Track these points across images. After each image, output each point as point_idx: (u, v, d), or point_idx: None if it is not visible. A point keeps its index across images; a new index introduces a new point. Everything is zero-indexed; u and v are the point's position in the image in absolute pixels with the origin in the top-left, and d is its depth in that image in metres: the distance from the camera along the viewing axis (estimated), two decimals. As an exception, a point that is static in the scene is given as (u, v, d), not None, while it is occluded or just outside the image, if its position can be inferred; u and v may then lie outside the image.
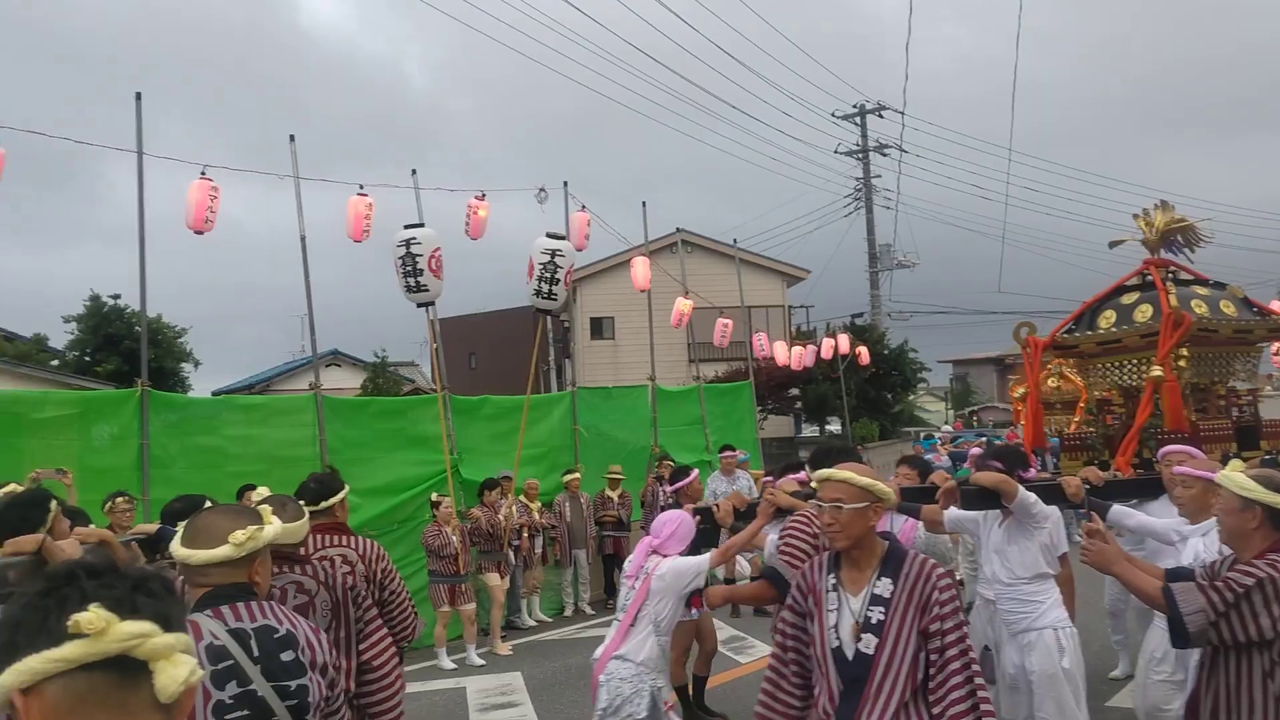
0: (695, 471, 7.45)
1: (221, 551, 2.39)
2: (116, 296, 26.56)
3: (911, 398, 36.38)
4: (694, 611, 7.00)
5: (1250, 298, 6.61)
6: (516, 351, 26.84)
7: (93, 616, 1.20)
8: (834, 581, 3.07)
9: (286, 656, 2.32)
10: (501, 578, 10.23)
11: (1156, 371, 5.89)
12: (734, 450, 12.53)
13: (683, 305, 15.10)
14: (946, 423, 38.07)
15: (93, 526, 5.71)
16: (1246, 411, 6.57)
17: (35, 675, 1.20)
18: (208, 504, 3.96)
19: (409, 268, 9.47)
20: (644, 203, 16.15)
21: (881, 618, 2.94)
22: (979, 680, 2.91)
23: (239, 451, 9.44)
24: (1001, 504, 4.94)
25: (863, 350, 23.71)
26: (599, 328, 30.02)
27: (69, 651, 1.20)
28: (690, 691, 7.01)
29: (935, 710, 2.88)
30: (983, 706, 2.86)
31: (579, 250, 11.85)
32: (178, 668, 1.24)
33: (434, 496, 9.88)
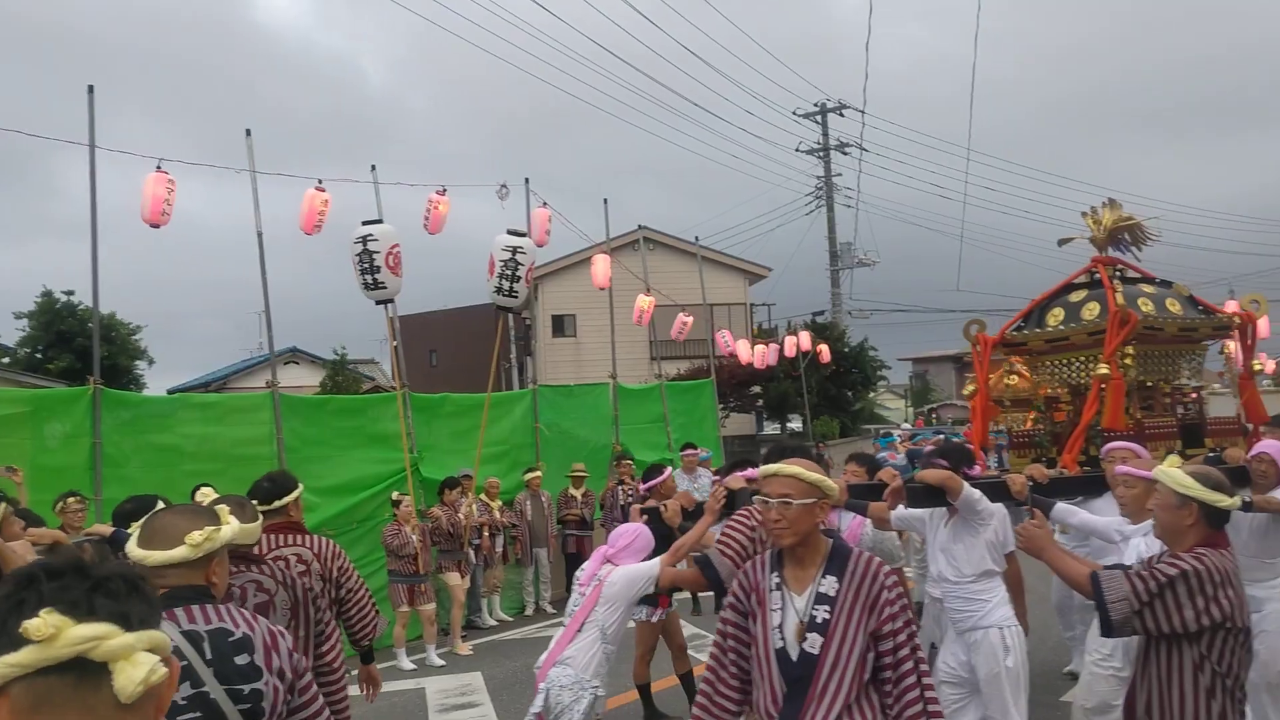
0: (669, 469, 7.41)
1: (178, 553, 2.35)
2: (70, 293, 26.15)
3: (872, 395, 36.67)
4: (660, 612, 7.02)
5: (1196, 296, 6.66)
6: (478, 349, 26.68)
7: (40, 624, 1.20)
8: (778, 580, 2.99)
9: (241, 660, 2.29)
10: (462, 577, 10.17)
11: (1103, 369, 5.92)
12: (696, 448, 12.54)
13: (644, 302, 15.10)
14: (906, 420, 38.44)
15: (45, 528, 5.63)
16: (1191, 409, 6.65)
17: None
18: (160, 504, 3.90)
19: (366, 264, 9.38)
20: (605, 200, 16.10)
21: (827, 617, 2.87)
22: (928, 680, 2.88)
23: (195, 450, 9.30)
24: (947, 502, 4.94)
25: (824, 348, 23.86)
26: (560, 325, 29.97)
27: (23, 657, 1.20)
28: (650, 692, 7.02)
29: (891, 714, 2.85)
30: (931, 708, 2.84)
31: (539, 247, 11.80)
32: (135, 669, 1.23)
33: (395, 495, 9.81)
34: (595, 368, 21.14)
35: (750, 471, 5.35)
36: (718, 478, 5.94)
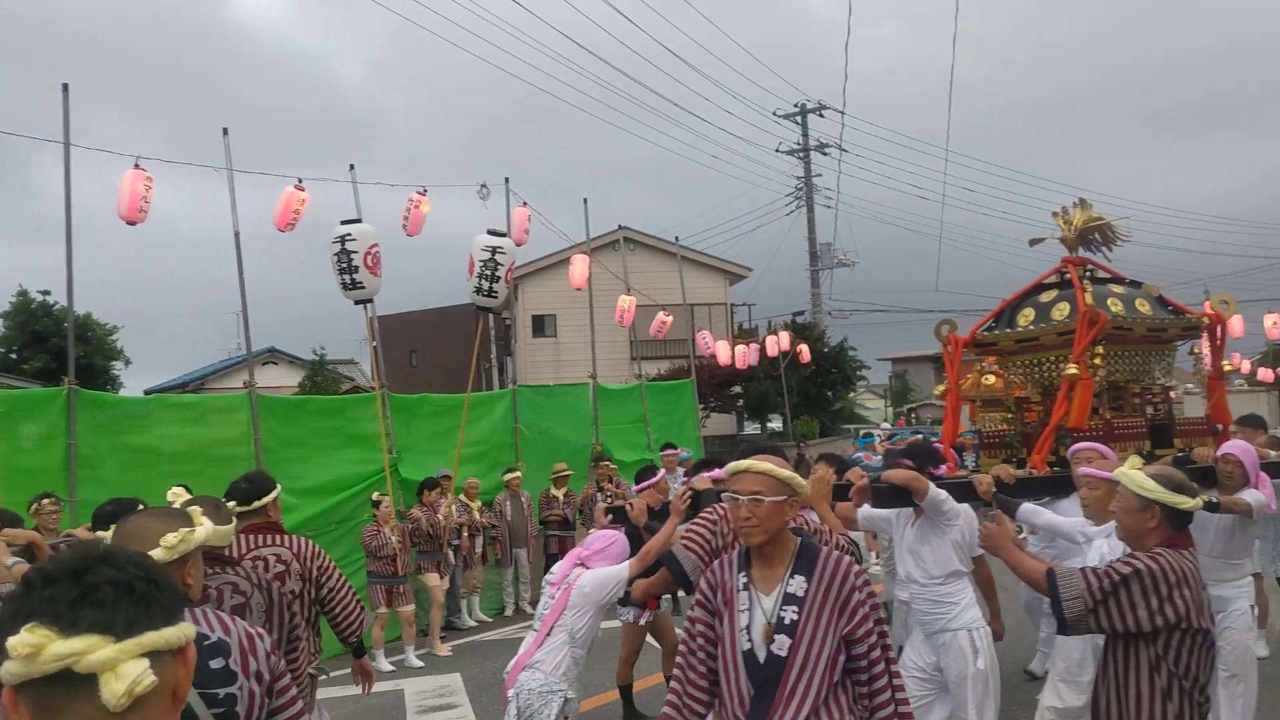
0: (662, 471, 7.37)
1: (152, 555, 2.34)
2: (46, 293, 25.97)
3: (851, 395, 36.84)
4: (647, 614, 7.01)
5: (1165, 296, 6.68)
6: (458, 349, 26.63)
7: (16, 643, 1.21)
8: (745, 580, 2.91)
9: (216, 664, 2.27)
10: (441, 578, 10.15)
11: (1072, 369, 5.92)
12: (676, 448, 12.55)
13: (625, 302, 15.11)
14: (886, 420, 38.61)
15: (21, 528, 5.58)
16: (1161, 409, 6.65)
17: None
18: (141, 507, 3.88)
19: (345, 264, 9.35)
20: (585, 200, 16.11)
21: (795, 618, 2.79)
22: (899, 682, 2.85)
23: (172, 451, 9.23)
24: (913, 502, 4.92)
25: (803, 348, 23.93)
26: (541, 325, 29.93)
27: (12, 668, 1.22)
28: (631, 693, 7.02)
29: (861, 717, 2.81)
30: (901, 710, 2.82)
31: (519, 246, 11.78)
32: (118, 681, 1.23)
33: (375, 496, 9.78)
34: (575, 368, 21.11)
35: (717, 472, 5.31)
36: (686, 478, 5.92)
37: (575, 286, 14.26)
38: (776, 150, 37.51)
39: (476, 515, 10.95)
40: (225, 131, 10.31)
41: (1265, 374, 28.74)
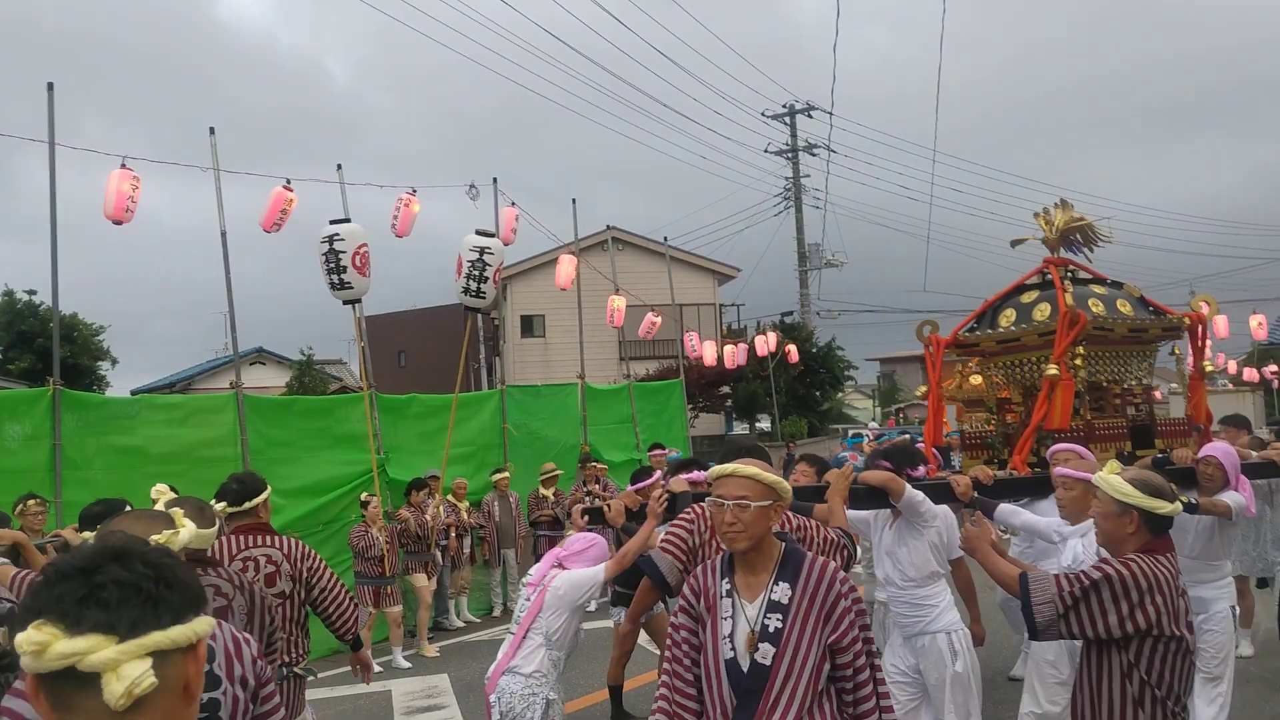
0: (659, 473, 7.36)
1: None
2: (32, 292, 25.88)
3: (840, 395, 36.89)
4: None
5: (1147, 296, 6.68)
6: (446, 349, 26.61)
7: (23, 639, 1.25)
8: (728, 586, 2.84)
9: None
10: (429, 578, 10.14)
11: (1053, 370, 5.92)
12: (664, 449, 12.57)
13: (617, 303, 15.12)
14: (873, 420, 38.66)
15: (7, 529, 5.57)
16: (1142, 410, 6.65)
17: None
18: (127, 508, 3.88)
19: (333, 264, 9.32)
20: (574, 200, 16.11)
21: (780, 625, 2.73)
22: (884, 689, 2.82)
23: (158, 452, 9.21)
24: (890, 504, 4.90)
25: (792, 348, 23.98)
26: (529, 325, 29.94)
27: (24, 662, 1.26)
28: (620, 694, 7.02)
29: None
30: (886, 718, 2.79)
31: (507, 246, 11.78)
32: (119, 682, 1.25)
33: (364, 496, 9.77)
34: (564, 368, 21.14)
35: (695, 474, 5.30)
36: (664, 480, 5.89)
37: (561, 287, 14.27)
38: (765, 151, 37.57)
39: (464, 516, 10.95)
40: (212, 131, 10.29)
41: (1250, 374, 28.94)
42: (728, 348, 20.90)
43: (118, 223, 9.06)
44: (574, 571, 4.76)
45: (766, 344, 21.63)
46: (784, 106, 37.03)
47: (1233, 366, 29.04)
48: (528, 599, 4.80)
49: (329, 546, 9.74)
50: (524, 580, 5.03)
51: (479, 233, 9.83)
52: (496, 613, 11.59)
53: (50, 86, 8.94)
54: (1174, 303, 6.99)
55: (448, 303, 28.07)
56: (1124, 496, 3.16)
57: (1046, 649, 4.94)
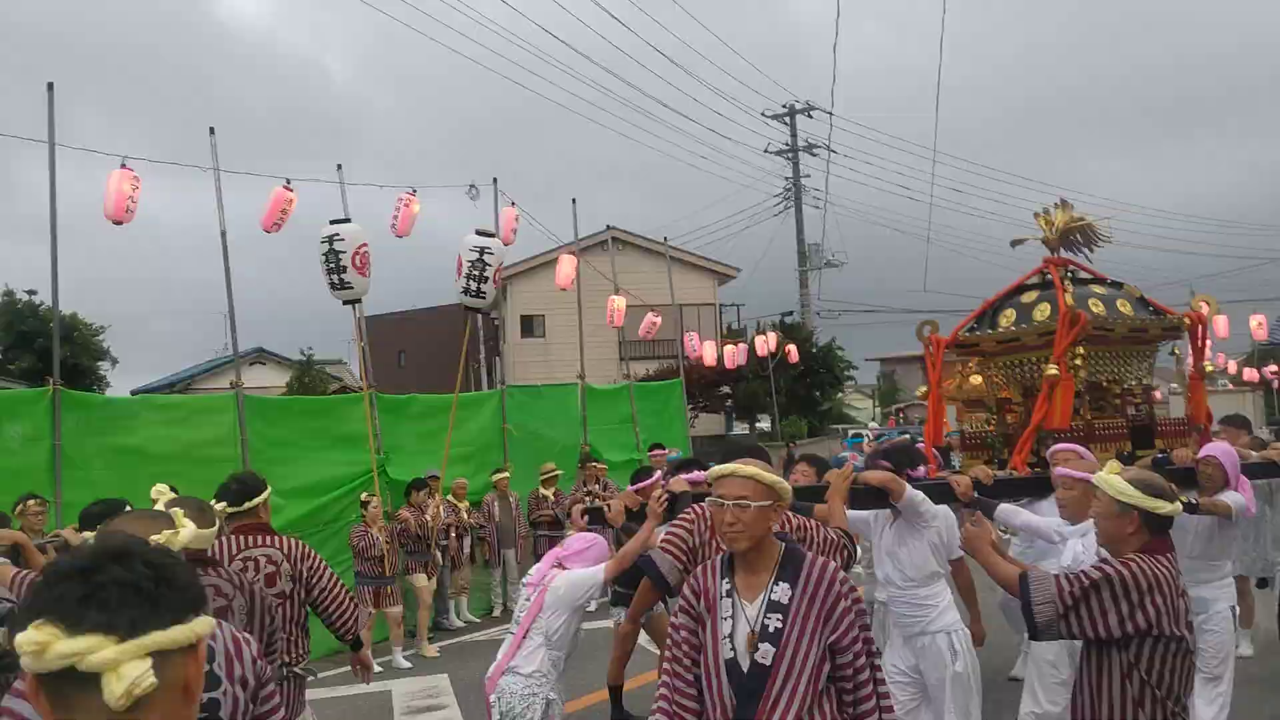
0: (659, 473, 7.34)
1: None
2: (32, 292, 25.88)
3: (840, 395, 36.84)
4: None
5: (1147, 296, 6.68)
6: (446, 349, 26.59)
7: (23, 640, 1.25)
8: (728, 587, 2.84)
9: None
10: (429, 578, 10.15)
11: (1052, 370, 5.92)
12: (664, 449, 12.57)
13: (617, 303, 15.11)
14: (874, 420, 38.65)
15: (7, 529, 5.57)
16: (1142, 410, 6.64)
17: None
18: (128, 508, 3.88)
19: (333, 264, 9.33)
20: (574, 200, 16.09)
21: (780, 625, 2.74)
22: (884, 690, 2.83)
23: (158, 452, 9.21)
24: (890, 504, 4.89)
25: (792, 348, 23.97)
26: (530, 325, 29.95)
27: (24, 662, 1.26)
28: (620, 694, 7.02)
29: None
30: (886, 718, 2.79)
31: (506, 246, 11.78)
32: (119, 682, 1.25)
33: (364, 496, 9.77)
34: (564, 368, 21.12)
35: (695, 474, 5.27)
36: (663, 481, 5.87)
37: (561, 287, 14.28)
38: (765, 151, 37.49)
39: (464, 516, 10.95)
40: (212, 131, 10.30)
41: (1251, 374, 28.95)
42: (727, 348, 20.91)
43: (118, 223, 9.07)
44: (574, 572, 4.75)
45: (766, 344, 21.64)
46: (784, 107, 37.00)
47: (1233, 366, 29.06)
48: (528, 599, 4.79)
49: (329, 546, 9.74)
50: (524, 580, 5.01)
51: (479, 233, 9.83)
52: (496, 613, 11.59)
53: (50, 86, 8.95)
54: (1174, 303, 6.97)
55: (448, 303, 28.10)
56: (1124, 497, 3.16)
57: (1046, 649, 4.91)
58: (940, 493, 5.11)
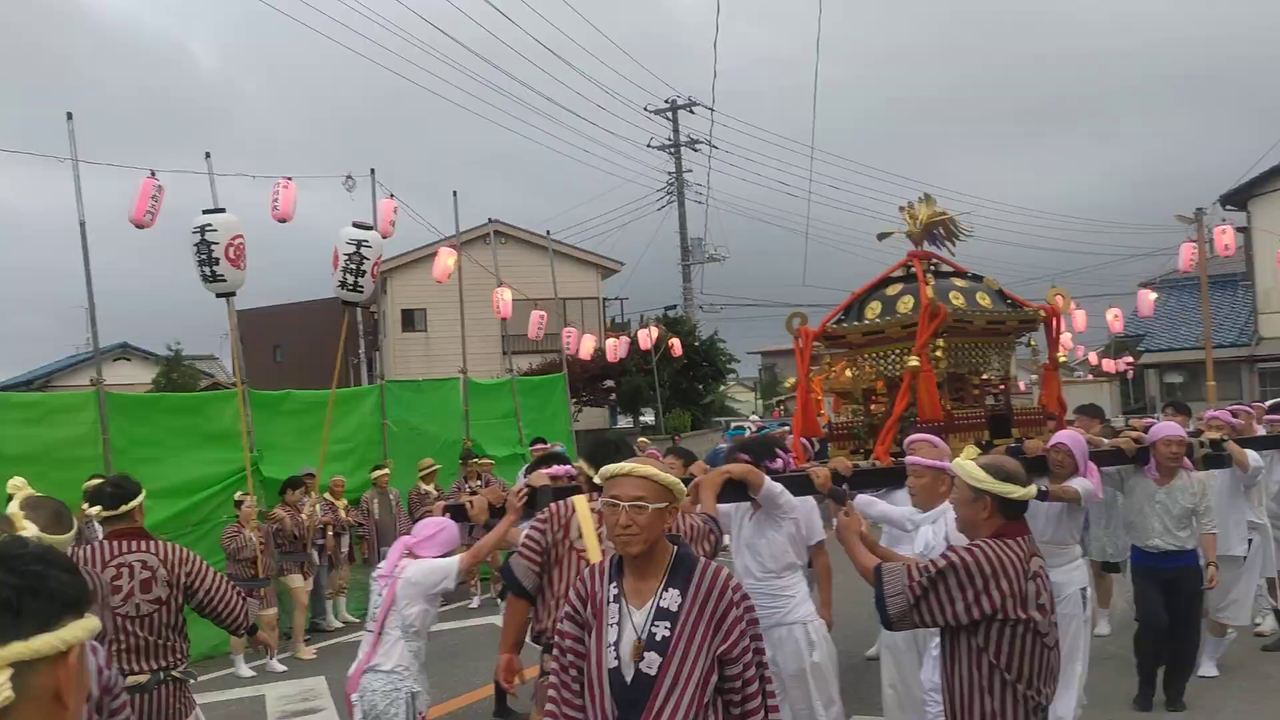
0: (569, 467, 7.22)
1: None
2: None
3: (722, 388, 37.37)
4: None
5: (1005, 290, 6.90)
6: (324, 344, 25.95)
7: None
8: (616, 591, 2.68)
9: None
10: (305, 579, 9.92)
11: (914, 361, 6.06)
12: (546, 443, 12.53)
13: (504, 295, 15.01)
14: (755, 412, 39.34)
15: None
16: (1000, 400, 6.88)
17: None
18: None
19: (205, 256, 9.03)
20: (455, 192, 15.92)
21: (668, 634, 2.59)
22: (774, 703, 2.72)
23: (13, 453, 8.76)
24: (749, 496, 4.92)
25: (675, 342, 24.21)
26: (410, 319, 29.47)
27: None
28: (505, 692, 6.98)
29: None
30: None
31: (385, 239, 11.57)
32: None
33: (238, 495, 9.49)
34: (447, 362, 20.87)
35: (556, 469, 5.25)
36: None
37: (438, 280, 14.11)
38: (648, 145, 37.75)
39: (342, 514, 10.74)
40: (69, 116, 9.83)
41: (1110, 365, 30.48)
42: (609, 341, 21.03)
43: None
44: (425, 561, 4.71)
45: (649, 337, 21.82)
46: (666, 101, 37.29)
47: (1093, 358, 30.56)
48: (379, 593, 4.72)
49: (200, 548, 9.31)
50: (374, 574, 4.94)
51: (356, 225, 9.66)
52: (376, 612, 11.39)
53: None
54: (1036, 297, 7.25)
55: (325, 296, 27.44)
56: (977, 482, 3.27)
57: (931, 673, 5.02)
58: (799, 484, 5.19)
